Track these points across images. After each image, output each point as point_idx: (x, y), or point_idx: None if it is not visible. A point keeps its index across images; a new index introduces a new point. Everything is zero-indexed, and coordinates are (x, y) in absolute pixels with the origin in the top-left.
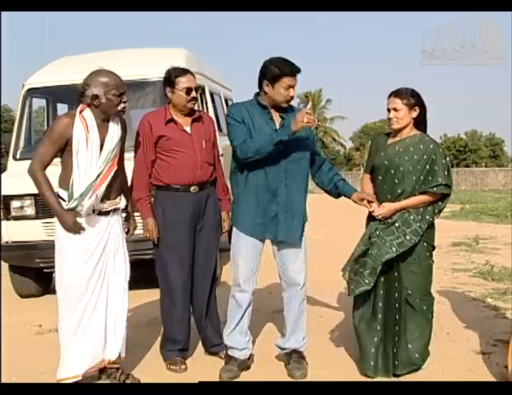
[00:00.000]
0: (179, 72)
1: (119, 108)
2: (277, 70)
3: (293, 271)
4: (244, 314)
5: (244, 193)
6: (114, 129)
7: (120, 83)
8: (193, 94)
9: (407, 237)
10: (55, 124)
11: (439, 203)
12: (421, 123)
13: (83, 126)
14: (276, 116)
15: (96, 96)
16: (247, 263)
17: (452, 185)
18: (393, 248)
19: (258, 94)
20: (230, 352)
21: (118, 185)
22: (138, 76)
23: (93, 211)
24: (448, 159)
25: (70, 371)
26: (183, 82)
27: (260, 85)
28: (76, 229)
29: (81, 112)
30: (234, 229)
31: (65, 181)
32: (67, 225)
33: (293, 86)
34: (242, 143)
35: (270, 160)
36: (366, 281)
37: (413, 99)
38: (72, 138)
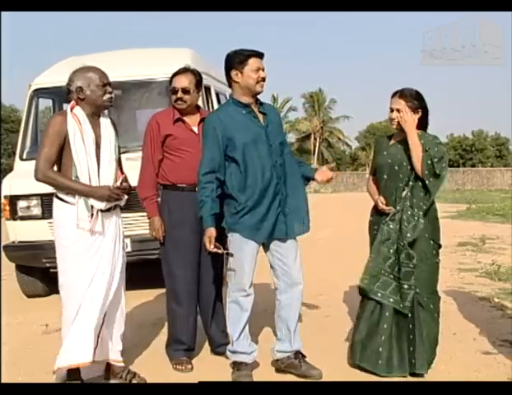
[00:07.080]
0: (174, 74)
1: (105, 98)
2: (242, 54)
3: (295, 269)
4: (248, 318)
5: (243, 197)
6: (107, 124)
7: (102, 75)
8: (179, 94)
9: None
10: (50, 124)
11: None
12: (422, 124)
13: (76, 121)
14: (258, 113)
15: (81, 88)
16: (251, 268)
17: (441, 173)
18: (408, 234)
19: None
20: (239, 358)
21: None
22: (144, 76)
23: (91, 207)
24: (444, 149)
25: (68, 360)
26: (173, 83)
27: (229, 81)
28: (115, 195)
29: (71, 109)
30: (232, 236)
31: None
32: (106, 197)
33: (262, 69)
34: (204, 173)
35: (259, 159)
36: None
37: (417, 102)
38: (68, 133)
